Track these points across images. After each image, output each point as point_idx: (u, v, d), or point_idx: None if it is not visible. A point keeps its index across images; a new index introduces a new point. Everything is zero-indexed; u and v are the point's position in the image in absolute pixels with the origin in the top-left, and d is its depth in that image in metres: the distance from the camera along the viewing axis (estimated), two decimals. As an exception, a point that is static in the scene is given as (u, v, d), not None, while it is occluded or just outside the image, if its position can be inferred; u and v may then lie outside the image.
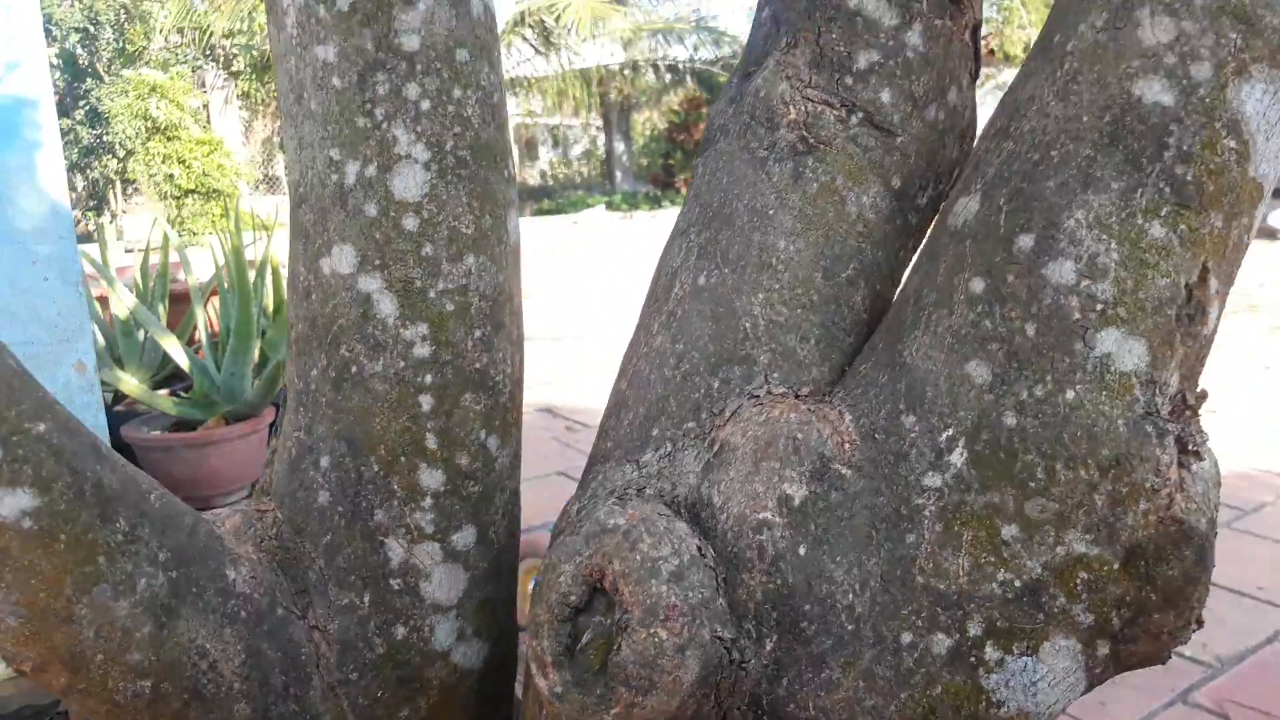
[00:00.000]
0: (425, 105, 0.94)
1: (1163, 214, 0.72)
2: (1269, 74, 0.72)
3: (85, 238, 14.63)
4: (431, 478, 0.99)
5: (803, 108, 0.90)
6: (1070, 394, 0.72)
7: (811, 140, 0.90)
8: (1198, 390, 0.76)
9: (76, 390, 2.65)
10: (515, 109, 18.12)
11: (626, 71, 16.82)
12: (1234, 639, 2.39)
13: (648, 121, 19.51)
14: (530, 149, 20.37)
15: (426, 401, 0.97)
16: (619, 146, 19.79)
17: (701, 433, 0.86)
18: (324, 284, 0.98)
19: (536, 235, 13.53)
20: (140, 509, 0.92)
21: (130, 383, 3.70)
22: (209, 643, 0.94)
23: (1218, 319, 0.76)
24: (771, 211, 0.90)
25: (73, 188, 15.07)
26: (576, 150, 20.91)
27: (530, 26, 14.35)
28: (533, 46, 14.85)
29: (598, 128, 20.05)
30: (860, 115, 0.90)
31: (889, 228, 0.92)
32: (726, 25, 18.00)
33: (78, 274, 2.60)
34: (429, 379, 0.97)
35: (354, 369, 0.98)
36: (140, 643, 0.90)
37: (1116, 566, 0.72)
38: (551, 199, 18.73)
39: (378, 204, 0.95)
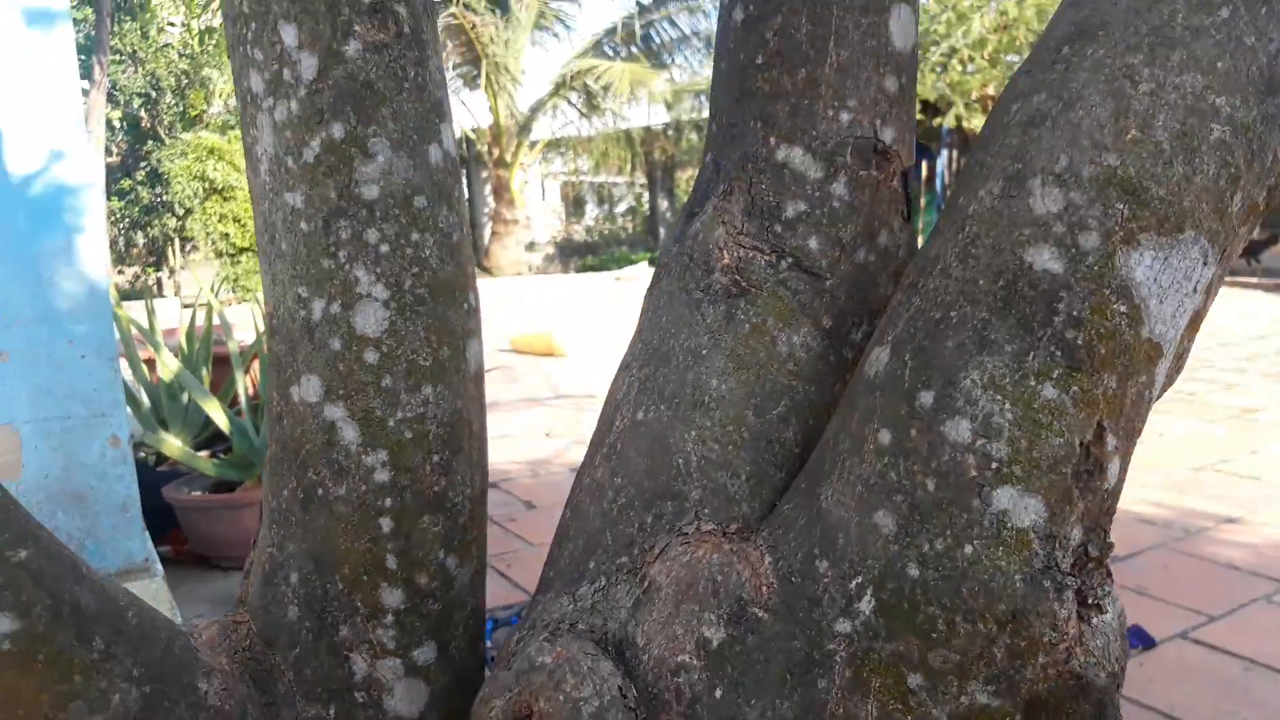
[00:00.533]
0: (384, 249, 1.00)
1: (1054, 376, 0.75)
2: (1158, 241, 0.76)
3: (145, 292, 15.13)
4: (392, 596, 1.04)
5: (736, 253, 0.95)
6: (969, 549, 0.75)
7: (744, 284, 0.95)
8: (1105, 541, 0.78)
9: (110, 463, 2.75)
10: (562, 168, 18.47)
11: (670, 132, 17.08)
12: (1269, 719, 2.32)
13: (692, 179, 19.72)
14: (577, 206, 20.70)
15: (386, 524, 1.03)
16: (663, 203, 20.02)
17: (634, 568, 0.89)
18: (294, 410, 1.04)
19: (578, 292, 13.69)
20: (117, 627, 0.98)
21: (173, 444, 3.83)
22: (179, 755, 0.99)
23: (1119, 473, 0.78)
24: (705, 352, 0.94)
25: (133, 244, 15.62)
26: (622, 207, 21.20)
27: (575, 90, 14.68)
28: (577, 109, 15.17)
29: (642, 185, 20.33)
30: (789, 260, 0.95)
31: (821, 365, 0.96)
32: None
33: (113, 351, 2.71)
34: (388, 503, 1.02)
35: (320, 491, 1.03)
36: (112, 756, 0.95)
37: (1018, 718, 0.74)
38: (595, 255, 18.96)
39: (341, 339, 1.01)
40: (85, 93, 13.87)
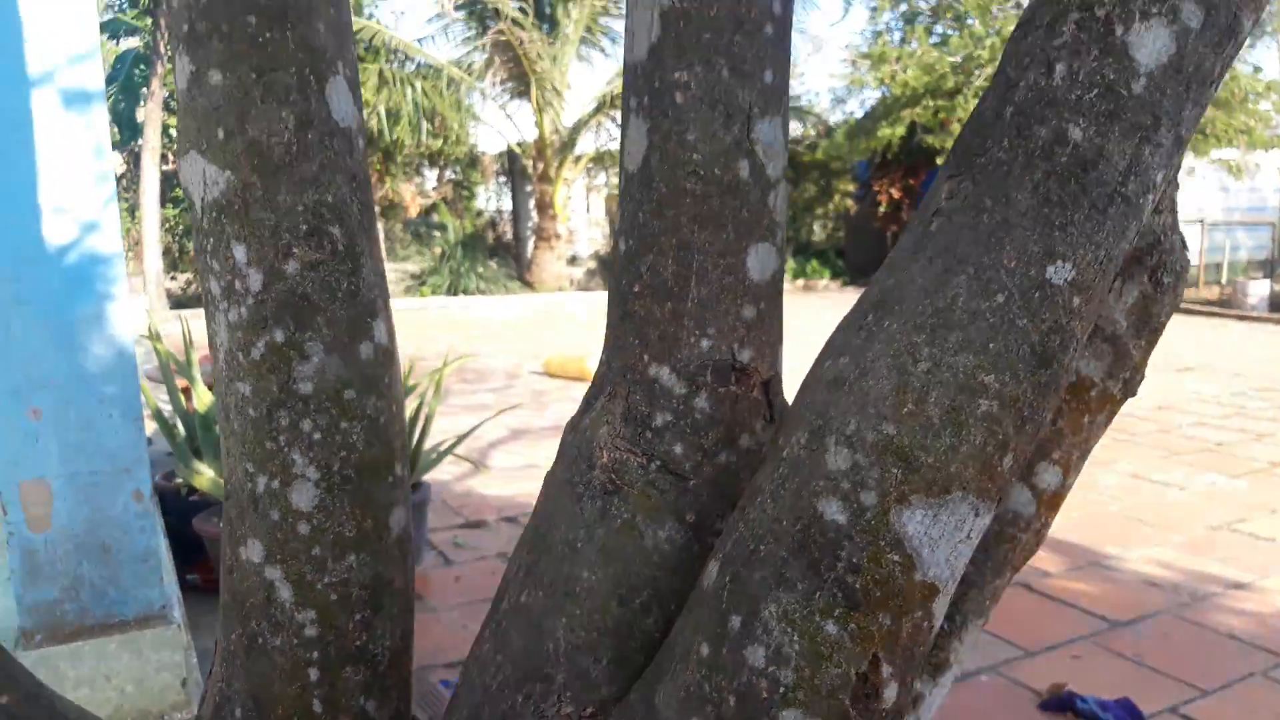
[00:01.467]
0: (317, 436, 1.16)
1: (835, 615, 0.88)
2: (928, 501, 0.88)
3: (195, 300, 15.53)
4: (318, 734, 1.20)
5: (613, 454, 1.09)
6: (759, 758, 0.88)
7: (618, 482, 1.09)
8: (885, 747, 0.91)
9: (134, 516, 2.96)
10: (605, 182, 18.65)
11: (712, 146, 17.15)
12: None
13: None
14: (619, 217, 20.83)
15: (314, 673, 1.19)
16: (705, 215, 20.09)
17: (503, 742, 1.04)
18: (241, 566, 1.21)
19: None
20: (81, 756, 1.15)
21: (204, 476, 4.04)
22: None
23: (898, 694, 0.91)
24: (580, 545, 1.09)
25: (186, 252, 16.07)
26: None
27: (618, 108, 14.86)
28: (619, 126, 15.35)
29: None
30: (658, 463, 1.09)
31: (684, 555, 1.10)
32: (809, 102, 18.25)
33: (138, 411, 2.91)
34: (316, 655, 1.19)
35: (260, 640, 1.20)
36: None
37: None
38: (637, 267, 19.06)
39: (279, 510, 1.17)
40: (142, 102, 14.28)
